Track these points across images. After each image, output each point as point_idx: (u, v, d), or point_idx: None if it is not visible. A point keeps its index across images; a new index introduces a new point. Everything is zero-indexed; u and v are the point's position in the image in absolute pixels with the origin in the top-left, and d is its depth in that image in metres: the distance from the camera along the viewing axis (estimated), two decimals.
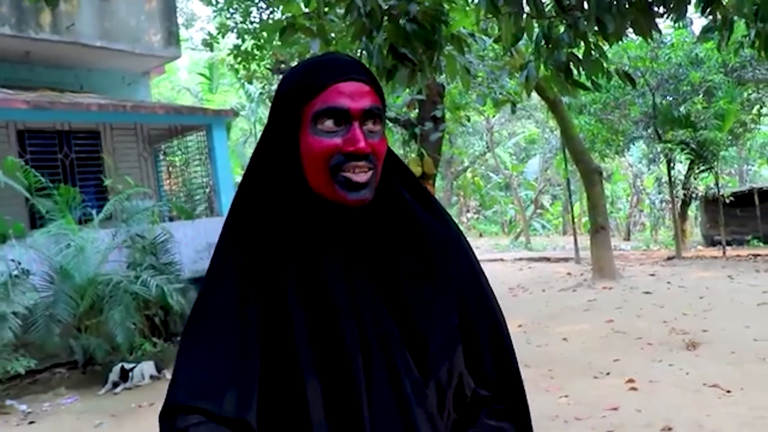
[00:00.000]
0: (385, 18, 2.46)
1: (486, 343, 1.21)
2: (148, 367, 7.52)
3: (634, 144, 19.33)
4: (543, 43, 2.97)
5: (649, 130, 15.99)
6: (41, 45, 8.96)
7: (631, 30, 3.01)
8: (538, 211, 32.88)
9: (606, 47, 3.32)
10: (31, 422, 6.42)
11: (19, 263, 7.03)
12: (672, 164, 16.46)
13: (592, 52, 3.00)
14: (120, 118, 8.84)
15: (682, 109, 14.51)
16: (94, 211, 7.70)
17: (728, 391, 5.10)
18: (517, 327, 8.19)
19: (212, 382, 1.07)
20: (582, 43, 3.03)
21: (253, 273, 1.13)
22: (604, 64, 3.27)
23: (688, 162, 17.37)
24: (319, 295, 1.10)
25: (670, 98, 15.10)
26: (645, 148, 19.70)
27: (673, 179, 16.60)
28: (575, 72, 3.17)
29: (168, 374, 7.50)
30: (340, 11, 2.90)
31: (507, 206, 33.54)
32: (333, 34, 3.14)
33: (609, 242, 12.30)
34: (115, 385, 7.40)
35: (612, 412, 4.97)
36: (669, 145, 14.44)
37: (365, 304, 1.11)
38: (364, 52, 2.51)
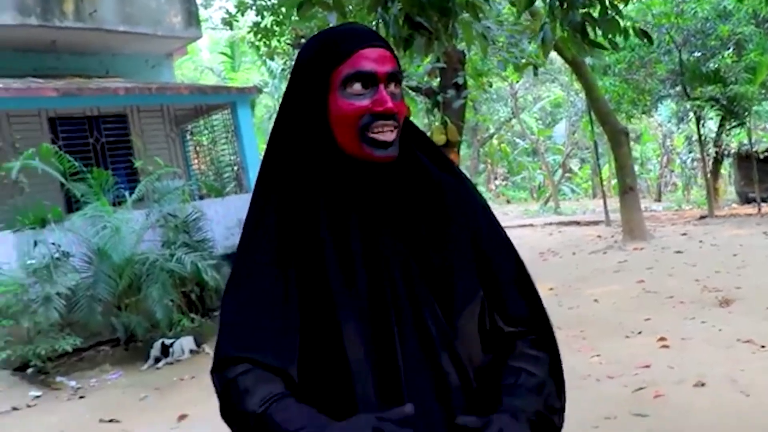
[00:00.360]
0: None
1: (512, 286, 1.30)
2: (187, 342, 7.75)
3: (662, 103, 18.98)
4: (557, 4, 2.98)
5: (677, 88, 15.67)
6: (66, 33, 9.12)
7: None
8: (567, 175, 32.58)
9: (623, 6, 3.31)
10: (81, 397, 6.74)
11: (59, 246, 7.27)
12: (702, 122, 16.16)
13: (608, 12, 3.00)
14: (147, 100, 9.01)
15: (710, 64, 14.21)
16: (126, 193, 7.90)
17: (762, 346, 5.09)
18: (548, 290, 8.23)
19: (256, 336, 1.16)
20: (597, 3, 3.03)
21: (289, 231, 1.21)
22: (621, 23, 3.26)
23: (719, 119, 17.05)
24: (352, 250, 1.18)
25: (698, 54, 14.78)
26: (674, 107, 19.34)
27: (703, 137, 16.31)
28: (591, 32, 3.17)
29: (207, 348, 7.74)
30: None
31: (535, 172, 33.28)
32: (350, 7, 3.17)
33: (638, 203, 12.22)
34: (157, 360, 7.65)
35: (644, 370, 5.01)
36: (698, 102, 14.18)
37: (394, 256, 1.19)
38: (380, 22, 2.55)
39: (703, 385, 4.50)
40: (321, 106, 1.19)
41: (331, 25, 2.75)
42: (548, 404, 1.25)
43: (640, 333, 6.03)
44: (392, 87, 1.18)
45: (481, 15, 3.14)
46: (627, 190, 11.84)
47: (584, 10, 2.92)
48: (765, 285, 7.07)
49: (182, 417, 5.52)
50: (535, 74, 7.20)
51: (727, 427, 3.77)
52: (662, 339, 5.65)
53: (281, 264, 1.19)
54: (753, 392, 4.22)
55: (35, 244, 7.19)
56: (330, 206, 1.21)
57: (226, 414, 1.17)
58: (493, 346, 1.27)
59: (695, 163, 23.69)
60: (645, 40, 3.43)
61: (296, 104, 1.23)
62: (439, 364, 1.17)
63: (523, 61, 6.51)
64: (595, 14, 3.20)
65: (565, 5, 3.07)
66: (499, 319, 1.27)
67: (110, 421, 5.72)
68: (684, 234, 11.93)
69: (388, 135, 1.17)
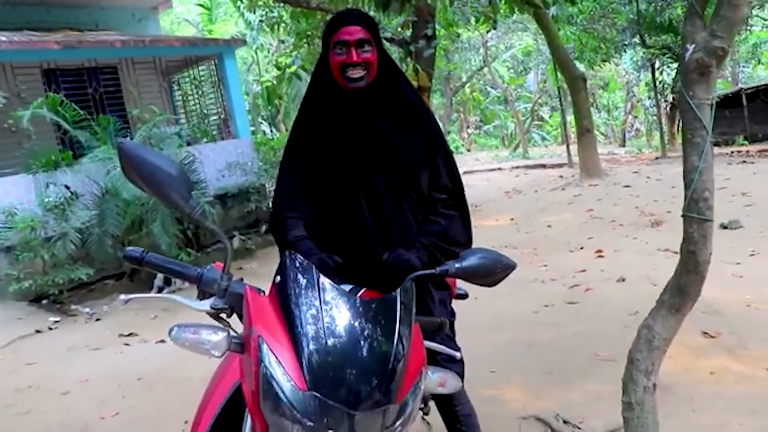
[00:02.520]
0: None
1: (444, 172, 2.19)
2: None
3: (625, 51, 19.84)
4: None
5: (636, 38, 16.54)
6: None
7: None
8: (537, 122, 33.44)
9: None
10: (97, 319, 7.56)
11: (68, 187, 8.04)
12: (660, 70, 17.05)
13: None
14: (141, 52, 9.65)
15: (665, 14, 15.04)
16: (127, 138, 8.63)
17: (675, 252, 6.14)
18: (509, 220, 9.27)
19: (289, 203, 2.15)
20: None
21: (307, 135, 2.17)
22: None
23: (676, 66, 17.97)
24: (342, 142, 2.12)
25: (654, 4, 15.59)
26: (634, 55, 20.21)
27: (660, 84, 17.22)
28: None
29: (173, 301, 8.61)
30: None
31: (507, 120, 34.08)
32: None
33: (594, 144, 13.21)
34: (160, 289, 8.51)
35: (580, 273, 6.09)
36: (653, 51, 15.05)
37: (370, 145, 2.11)
38: None
39: (624, 280, 5.58)
40: (326, 57, 2.10)
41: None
42: (449, 237, 2.12)
43: (582, 248, 7.10)
44: (364, 47, 2.02)
45: None
46: (584, 132, 12.80)
47: None
48: None
49: None
50: (494, 27, 7.99)
51: (635, 306, 4.78)
52: (599, 251, 6.72)
53: (300, 157, 2.17)
54: (661, 284, 5.24)
55: (47, 185, 7.96)
56: (331, 116, 2.13)
57: (277, 239, 2.13)
58: (429, 207, 2.18)
59: (656, 110, 24.77)
60: (571, 3, 4.30)
61: (321, 57, 2.16)
62: (383, 208, 2.09)
63: (483, 11, 7.30)
64: None
65: None
66: (432, 189, 2.17)
67: (129, 335, 6.51)
68: (635, 172, 13.01)
69: (357, 73, 2.03)
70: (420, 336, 1.57)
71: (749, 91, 20.06)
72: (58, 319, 7.57)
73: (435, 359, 1.93)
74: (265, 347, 1.33)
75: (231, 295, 1.56)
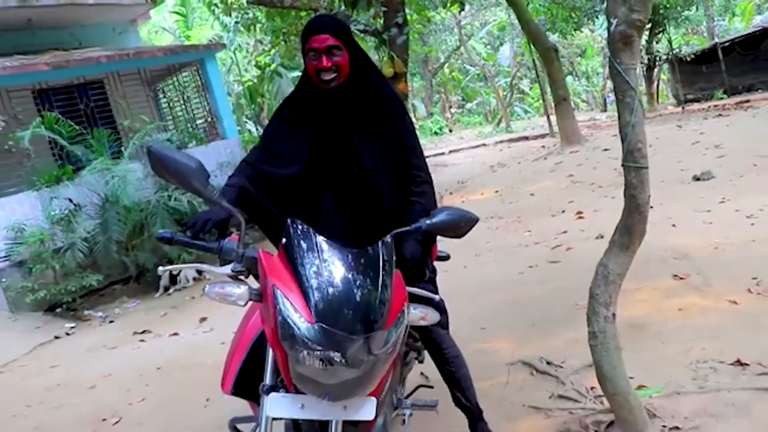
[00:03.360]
0: None
1: (411, 150, 2.51)
2: (190, 272, 8.93)
3: (598, 17, 20.15)
4: None
5: (605, 4, 16.82)
6: (41, 11, 9.97)
7: None
8: (518, 96, 33.74)
9: None
10: (111, 321, 7.93)
11: (71, 200, 8.39)
12: None
13: None
14: (126, 65, 9.97)
15: None
16: (122, 149, 8.98)
17: (651, 207, 6.54)
18: (494, 193, 9.66)
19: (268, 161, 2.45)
20: None
21: (292, 121, 2.49)
22: None
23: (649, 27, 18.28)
24: (320, 136, 2.45)
25: None
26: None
27: None
28: None
29: (207, 275, 8.97)
30: None
31: (489, 97, 34.35)
32: None
33: (571, 111, 13.59)
34: (166, 289, 8.89)
35: (562, 235, 6.47)
36: None
37: (343, 137, 2.43)
38: None
39: (602, 237, 5.94)
40: (304, 62, 2.42)
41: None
42: (429, 210, 2.35)
43: (563, 212, 7.48)
44: (333, 52, 2.29)
45: None
46: (560, 101, 13.16)
47: None
48: (665, 165, 8.55)
49: (203, 319, 6.75)
50: (462, 9, 8.34)
51: None
52: (579, 213, 7.11)
53: (281, 139, 2.48)
54: None
55: (51, 200, 8.31)
56: (312, 112, 2.46)
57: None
58: (403, 181, 2.48)
59: None
60: None
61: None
62: (364, 198, 2.43)
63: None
64: None
65: None
66: (404, 167, 2.48)
67: (143, 332, 6.85)
68: (615, 135, 13.29)
69: (328, 76, 2.31)
70: (401, 280, 1.96)
71: (724, 44, 20.36)
72: (73, 324, 7.93)
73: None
74: (279, 293, 1.71)
75: (247, 260, 1.93)
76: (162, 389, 4.70)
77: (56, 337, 7.44)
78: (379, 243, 1.89)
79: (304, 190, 2.43)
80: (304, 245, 1.83)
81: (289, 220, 1.91)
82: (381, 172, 2.43)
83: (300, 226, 1.88)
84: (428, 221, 2.08)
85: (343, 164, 2.43)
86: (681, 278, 4.58)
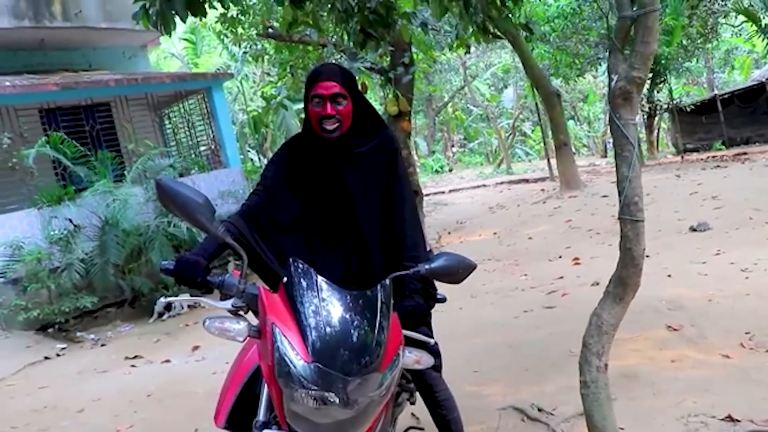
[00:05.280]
0: (355, 9, 3.76)
1: (409, 222, 2.45)
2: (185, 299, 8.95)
3: (600, 65, 20.46)
4: (465, 11, 4.29)
5: (608, 52, 17.07)
6: (54, 32, 10.16)
7: None
8: (520, 137, 34.02)
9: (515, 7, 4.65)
10: (102, 344, 7.88)
11: (70, 220, 8.42)
12: None
13: (502, 13, 4.33)
14: (134, 89, 10.09)
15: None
16: (125, 172, 9.06)
17: (647, 256, 6.60)
18: (492, 234, 9.70)
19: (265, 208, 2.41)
20: (493, 8, 4.35)
21: (291, 169, 2.46)
22: (513, 20, 4.61)
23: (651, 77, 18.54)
24: (320, 186, 2.42)
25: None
26: None
27: None
28: (491, 28, 4.51)
29: (202, 303, 8.98)
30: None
31: (491, 137, 34.61)
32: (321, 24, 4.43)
33: (571, 156, 13.73)
34: (161, 315, 8.85)
35: (558, 280, 6.49)
36: None
37: (339, 190, 2.41)
38: (344, 32, 3.79)
39: (597, 284, 5.98)
40: (307, 109, 2.42)
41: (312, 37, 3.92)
42: (420, 249, 2.42)
43: (560, 257, 7.52)
44: (338, 100, 2.25)
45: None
46: (561, 145, 13.30)
47: (484, 16, 4.21)
48: (664, 214, 8.61)
49: (195, 348, 6.71)
50: (468, 52, 8.51)
51: None
52: (576, 259, 7.14)
53: (279, 186, 2.43)
54: None
55: (50, 220, 8.34)
56: (313, 160, 2.44)
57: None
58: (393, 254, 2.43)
59: None
60: (527, 33, 4.78)
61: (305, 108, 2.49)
62: (348, 254, 2.39)
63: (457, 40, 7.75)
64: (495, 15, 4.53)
65: (470, 10, 4.40)
66: (400, 244, 2.41)
67: (135, 357, 6.82)
68: (613, 182, 13.42)
69: (330, 126, 2.26)
70: (398, 323, 1.98)
71: (724, 96, 20.65)
72: (64, 345, 7.89)
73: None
74: (277, 331, 1.74)
75: (247, 296, 1.96)
76: (151, 416, 4.67)
77: (46, 358, 7.40)
78: (378, 286, 1.92)
79: (298, 238, 2.42)
80: (304, 284, 1.85)
81: (291, 260, 1.93)
82: (373, 232, 2.41)
83: (301, 266, 1.92)
84: (427, 266, 2.09)
85: (338, 218, 2.42)
86: (675, 329, 4.60)
